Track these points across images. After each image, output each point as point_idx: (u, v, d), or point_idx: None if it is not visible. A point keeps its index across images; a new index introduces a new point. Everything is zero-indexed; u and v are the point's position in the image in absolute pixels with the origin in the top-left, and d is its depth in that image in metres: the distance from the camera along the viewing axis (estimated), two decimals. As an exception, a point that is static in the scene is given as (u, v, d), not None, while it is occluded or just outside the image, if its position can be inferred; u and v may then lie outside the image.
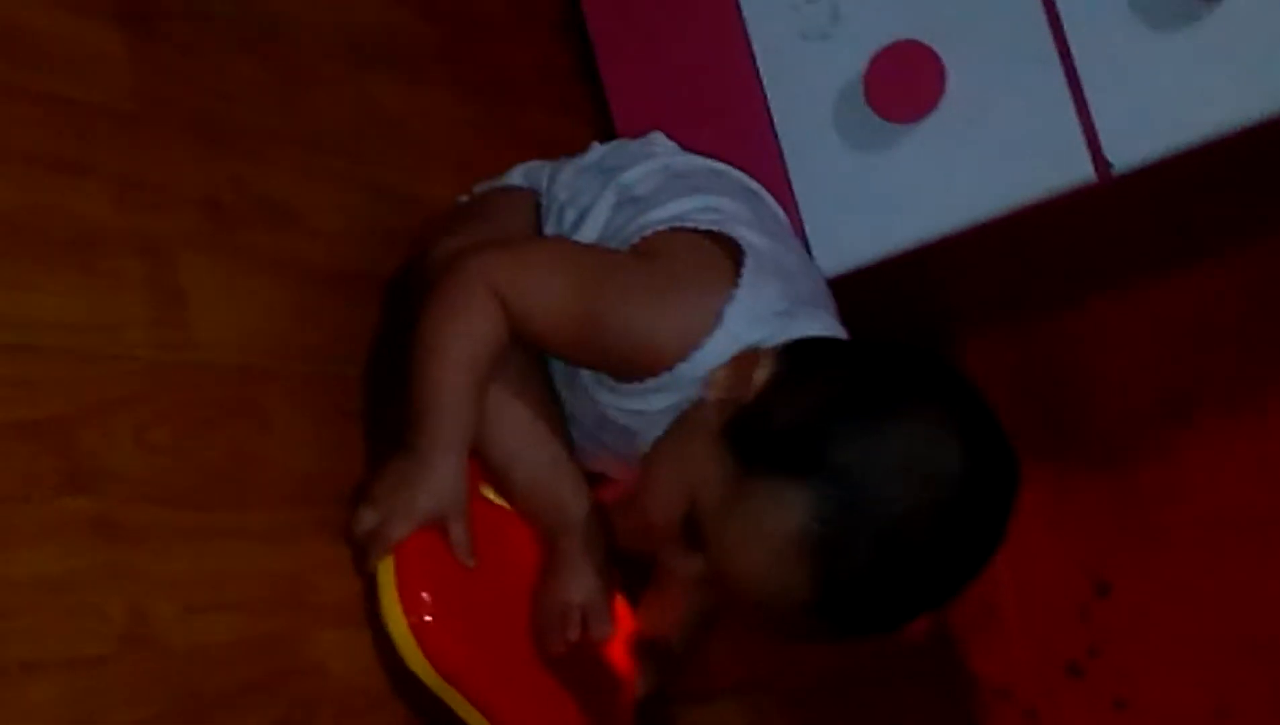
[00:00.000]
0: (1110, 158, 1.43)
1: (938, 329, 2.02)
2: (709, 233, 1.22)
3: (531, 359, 1.24)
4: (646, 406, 1.18)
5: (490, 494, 1.21)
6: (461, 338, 1.17)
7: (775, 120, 1.52)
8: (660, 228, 1.22)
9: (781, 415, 1.11)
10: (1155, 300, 1.95)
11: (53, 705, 0.92)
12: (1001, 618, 2.04)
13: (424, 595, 1.12)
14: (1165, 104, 1.41)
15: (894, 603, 1.10)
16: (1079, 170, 1.44)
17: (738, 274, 1.18)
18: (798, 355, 1.14)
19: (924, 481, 1.07)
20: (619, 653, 1.27)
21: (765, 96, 1.54)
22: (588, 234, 1.26)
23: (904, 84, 1.47)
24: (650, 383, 1.17)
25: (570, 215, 1.29)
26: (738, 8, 1.56)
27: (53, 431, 0.96)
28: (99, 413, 1.00)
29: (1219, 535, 1.95)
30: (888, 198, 1.48)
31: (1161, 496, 1.97)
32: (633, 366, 1.17)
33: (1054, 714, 2.02)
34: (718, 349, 1.15)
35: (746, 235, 1.22)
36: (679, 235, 1.22)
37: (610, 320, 1.16)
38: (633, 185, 1.28)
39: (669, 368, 1.16)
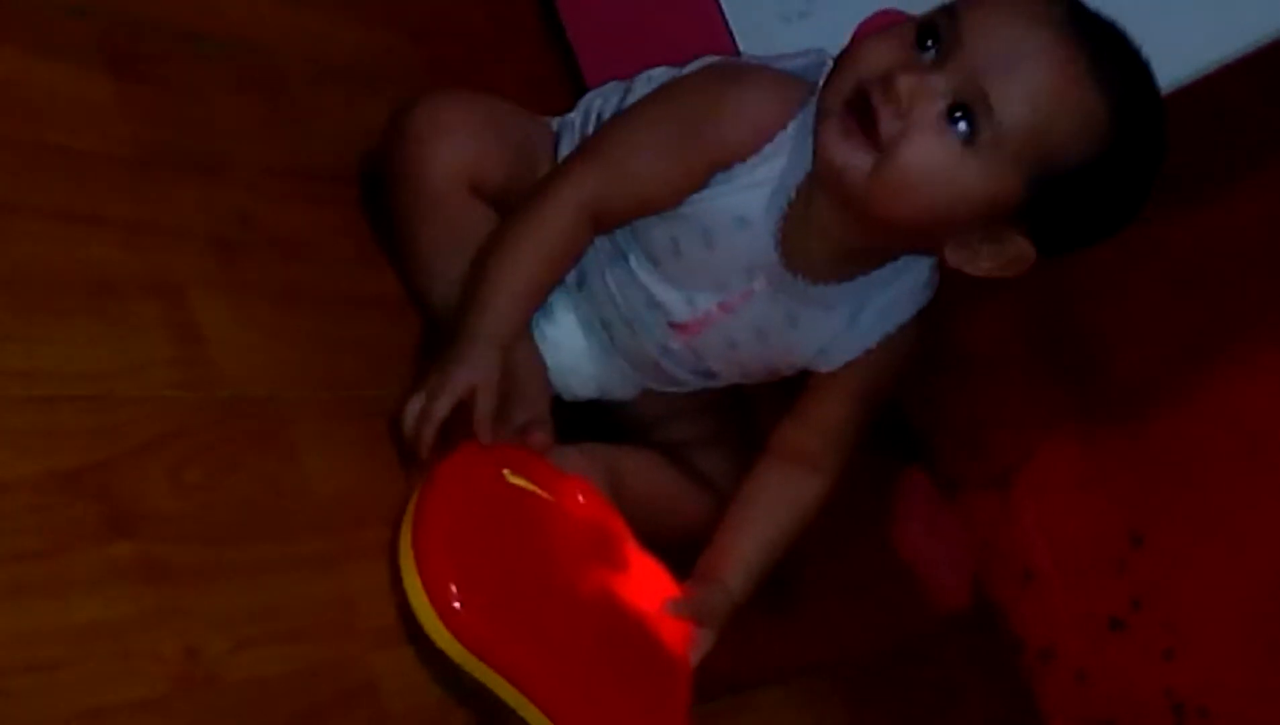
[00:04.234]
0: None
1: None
2: None
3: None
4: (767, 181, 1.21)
5: (512, 477, 1.20)
6: (536, 249, 1.21)
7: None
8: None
9: None
10: (1156, 244, 1.94)
11: (117, 750, 0.91)
12: (1040, 579, 2.03)
13: (451, 587, 1.11)
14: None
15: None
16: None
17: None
18: None
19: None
20: (669, 627, 1.27)
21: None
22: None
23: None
24: (770, 145, 1.21)
25: (608, 108, 1.32)
26: (722, 14, 1.57)
27: (89, 479, 0.96)
28: (132, 456, 0.99)
29: (1247, 473, 1.95)
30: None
31: (1186, 441, 1.97)
32: (749, 132, 1.21)
33: (1103, 671, 2.01)
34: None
35: None
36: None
37: (709, 112, 1.21)
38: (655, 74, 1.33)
39: (780, 124, 1.21)
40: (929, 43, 1.14)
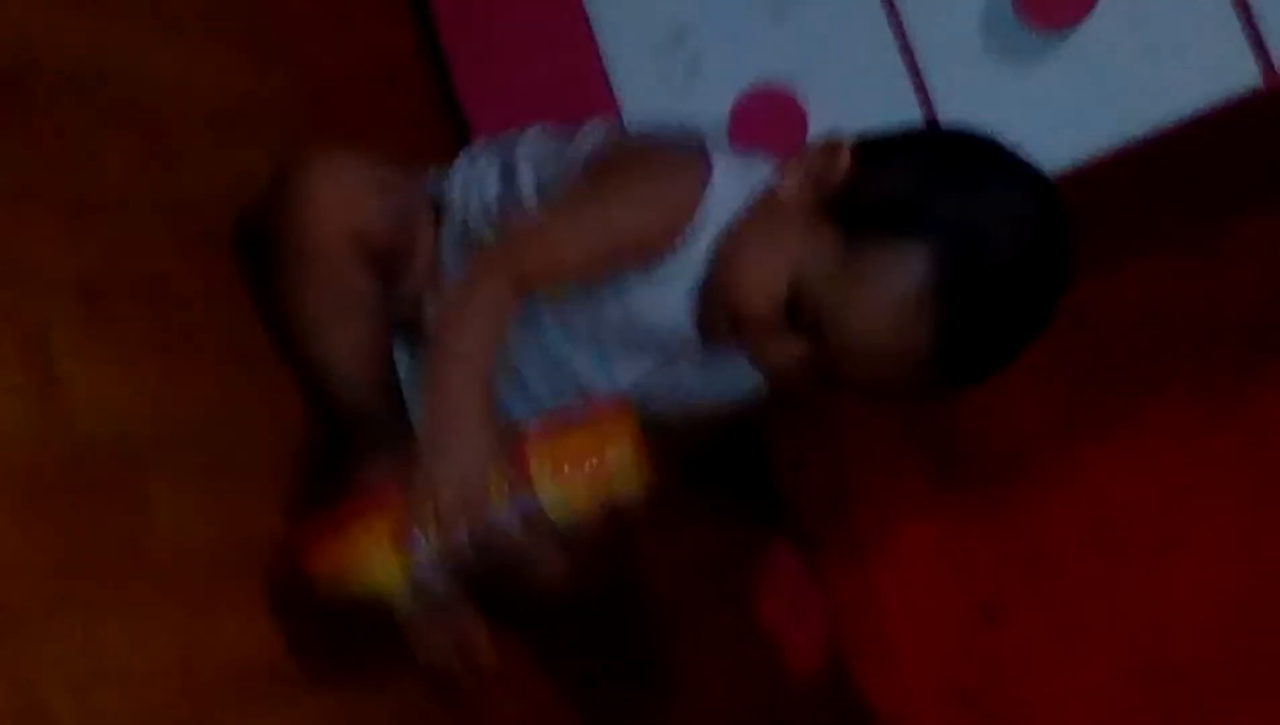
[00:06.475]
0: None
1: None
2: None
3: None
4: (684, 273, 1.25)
5: None
6: (486, 347, 1.21)
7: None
8: (606, 141, 1.31)
9: (884, 186, 1.22)
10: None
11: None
12: (894, 649, 2.05)
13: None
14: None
15: (1009, 336, 1.23)
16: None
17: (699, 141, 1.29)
18: (873, 143, 1.24)
19: (1014, 224, 1.21)
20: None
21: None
22: (525, 178, 1.33)
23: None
24: (685, 240, 1.24)
25: (489, 179, 1.34)
26: (607, 82, 1.58)
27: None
28: (-23, 495, 0.98)
29: (1104, 559, 1.98)
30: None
31: (1047, 523, 2.00)
32: (666, 233, 1.25)
33: (947, 744, 2.04)
34: (723, 192, 1.24)
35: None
36: (627, 137, 1.33)
37: (624, 214, 1.25)
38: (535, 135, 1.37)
39: (691, 218, 1.24)
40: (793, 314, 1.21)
